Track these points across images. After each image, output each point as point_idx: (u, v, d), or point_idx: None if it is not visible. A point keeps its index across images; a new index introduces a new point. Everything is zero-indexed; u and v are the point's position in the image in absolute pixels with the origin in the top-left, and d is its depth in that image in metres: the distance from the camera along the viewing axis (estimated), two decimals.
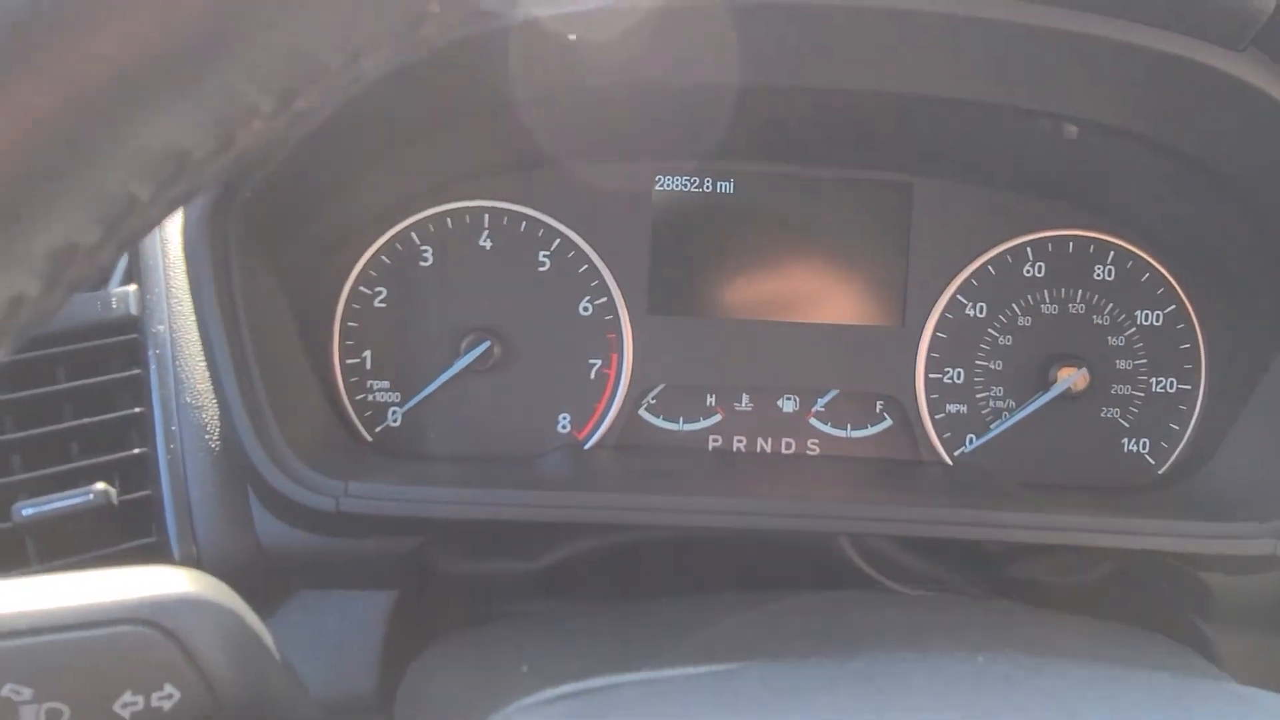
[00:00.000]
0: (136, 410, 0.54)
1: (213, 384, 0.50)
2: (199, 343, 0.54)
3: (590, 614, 0.46)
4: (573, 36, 0.44)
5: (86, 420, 0.53)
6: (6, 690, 0.27)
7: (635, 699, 0.30)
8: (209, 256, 0.50)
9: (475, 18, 0.15)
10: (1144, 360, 0.61)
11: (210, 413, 0.52)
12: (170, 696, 0.29)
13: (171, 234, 0.56)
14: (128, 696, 0.28)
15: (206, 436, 0.52)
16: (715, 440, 0.62)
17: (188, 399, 0.53)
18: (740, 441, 0.62)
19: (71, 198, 0.13)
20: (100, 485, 0.50)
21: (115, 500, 0.51)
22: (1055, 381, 0.59)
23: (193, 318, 0.54)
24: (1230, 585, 0.52)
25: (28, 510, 0.50)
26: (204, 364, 0.53)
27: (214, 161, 0.14)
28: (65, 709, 0.27)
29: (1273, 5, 0.41)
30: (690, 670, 0.32)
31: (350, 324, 0.59)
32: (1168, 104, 0.50)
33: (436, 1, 0.15)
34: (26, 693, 0.27)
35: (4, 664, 0.27)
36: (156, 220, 0.15)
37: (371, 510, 0.48)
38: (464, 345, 0.59)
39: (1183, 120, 0.51)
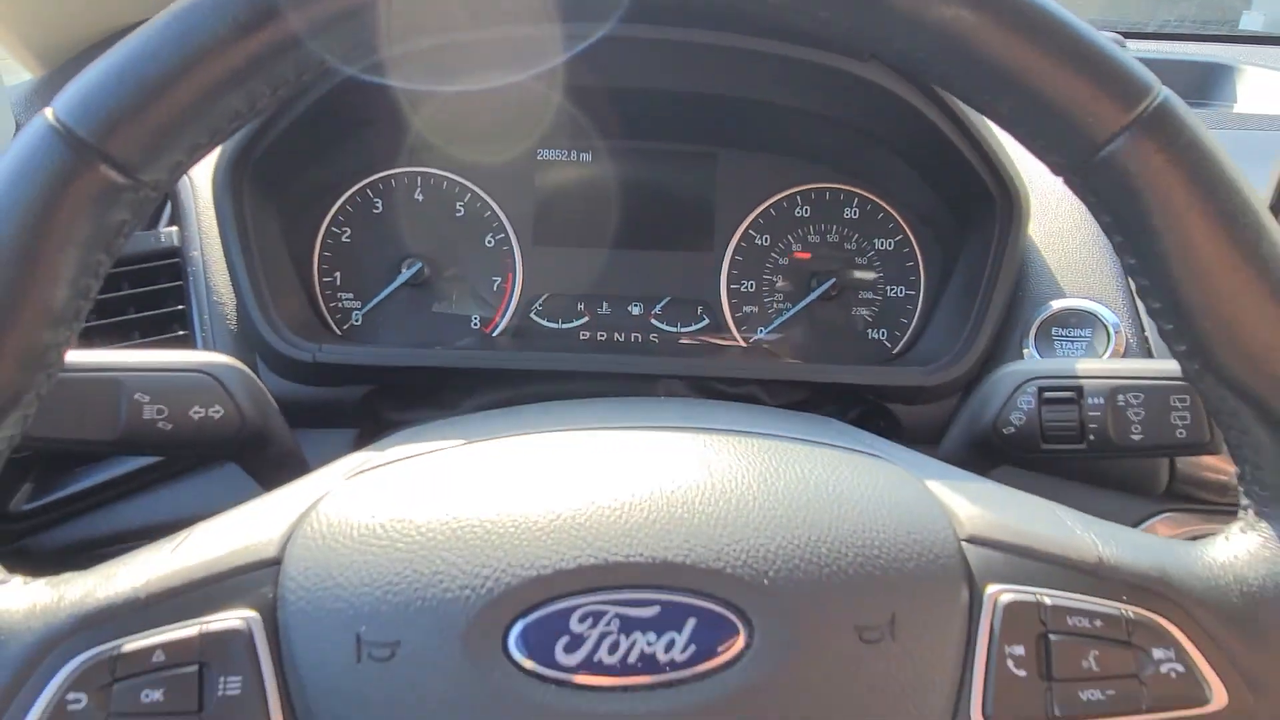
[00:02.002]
0: (179, 308, 0.78)
1: (233, 287, 0.73)
2: (221, 263, 0.78)
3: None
4: None
5: (144, 314, 0.78)
6: (137, 395, 0.51)
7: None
8: (230, 202, 0.72)
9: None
10: (881, 275, 0.83)
11: (229, 308, 0.76)
12: (219, 411, 0.53)
13: (201, 190, 0.80)
14: (196, 408, 0.53)
15: (227, 323, 0.75)
16: (585, 334, 0.84)
17: (214, 299, 0.76)
18: (602, 335, 0.84)
19: (229, 100, 0.37)
20: None
21: None
22: (814, 288, 0.83)
23: (217, 246, 0.78)
24: (912, 414, 0.77)
25: None
26: (225, 277, 0.77)
27: (253, 112, 0.38)
28: (166, 408, 0.52)
29: None
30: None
31: (325, 253, 0.82)
32: (847, 98, 0.75)
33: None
34: (146, 398, 0.51)
35: (133, 384, 0.51)
36: (251, 118, 0.38)
37: (339, 360, 0.70)
38: (404, 266, 0.81)
39: (861, 109, 0.76)
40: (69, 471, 0.70)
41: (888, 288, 0.83)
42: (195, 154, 0.38)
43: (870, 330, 0.83)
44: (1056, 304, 0.72)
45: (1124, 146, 0.37)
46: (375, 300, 0.81)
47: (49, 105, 0.36)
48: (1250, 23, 1.92)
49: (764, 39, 0.69)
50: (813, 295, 0.82)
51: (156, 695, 0.36)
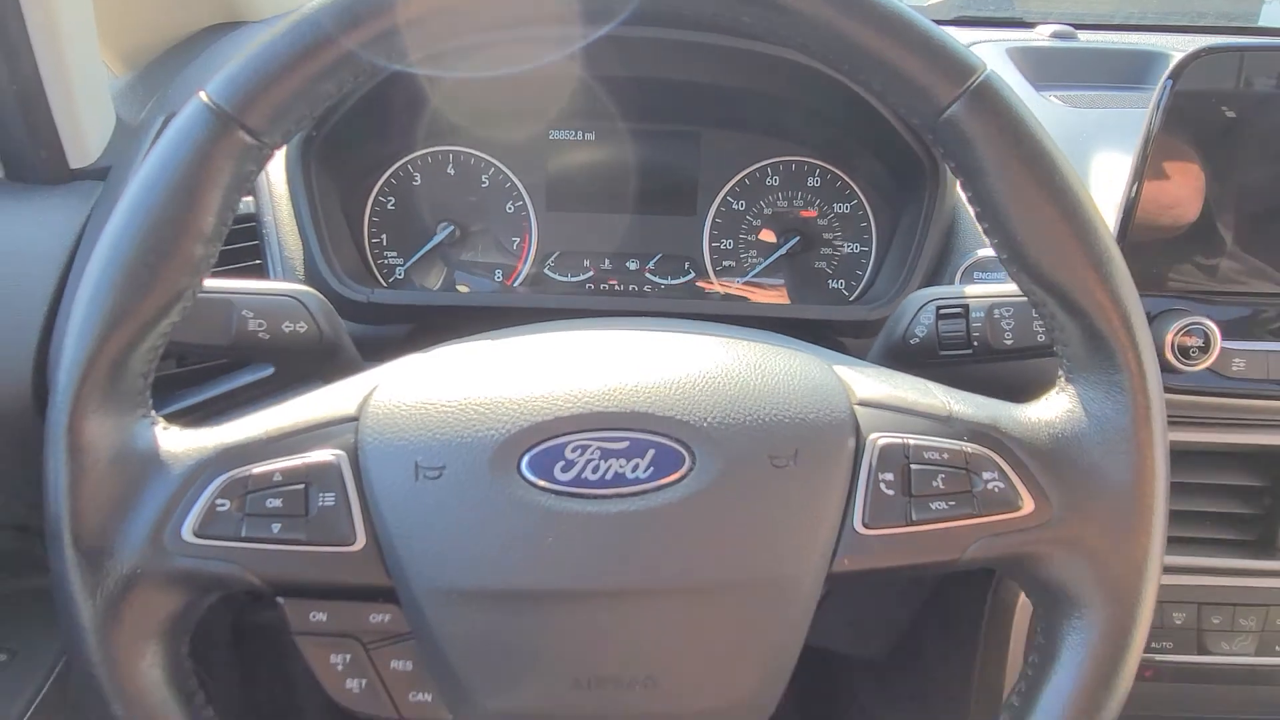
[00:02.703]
0: (256, 262, 0.95)
1: (303, 243, 0.87)
2: (289, 226, 0.93)
3: None
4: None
5: (228, 266, 0.94)
6: (244, 312, 0.67)
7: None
8: (301, 175, 0.85)
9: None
10: (839, 234, 0.98)
11: (297, 261, 0.88)
12: (304, 326, 0.69)
13: (271, 169, 0.96)
14: (287, 323, 0.69)
15: (296, 274, 0.90)
16: (590, 285, 0.98)
17: (285, 254, 0.89)
18: (604, 285, 0.98)
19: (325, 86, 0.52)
20: None
21: None
22: (782, 245, 0.98)
23: (285, 213, 0.93)
24: (857, 346, 0.91)
25: None
26: (292, 238, 0.91)
27: (340, 94, 0.54)
28: (265, 322, 0.68)
29: None
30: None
31: (374, 218, 0.95)
32: (809, 87, 0.89)
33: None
34: (250, 314, 0.67)
35: (241, 303, 0.67)
36: (338, 98, 0.53)
37: (389, 300, 0.86)
38: (438, 229, 0.96)
39: (820, 95, 0.90)
40: (170, 394, 0.86)
41: (844, 244, 0.97)
42: (300, 124, 0.54)
43: (830, 280, 0.98)
44: (980, 252, 0.86)
45: (958, 111, 0.52)
46: (415, 257, 0.97)
47: (202, 89, 0.52)
48: (1271, 14, 2.03)
49: (740, 39, 0.84)
50: (780, 251, 0.96)
51: (277, 503, 0.52)
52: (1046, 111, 1.00)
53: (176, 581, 0.52)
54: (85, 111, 0.93)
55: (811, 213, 0.97)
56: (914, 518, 0.53)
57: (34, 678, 0.84)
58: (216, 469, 0.52)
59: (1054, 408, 0.55)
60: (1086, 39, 1.35)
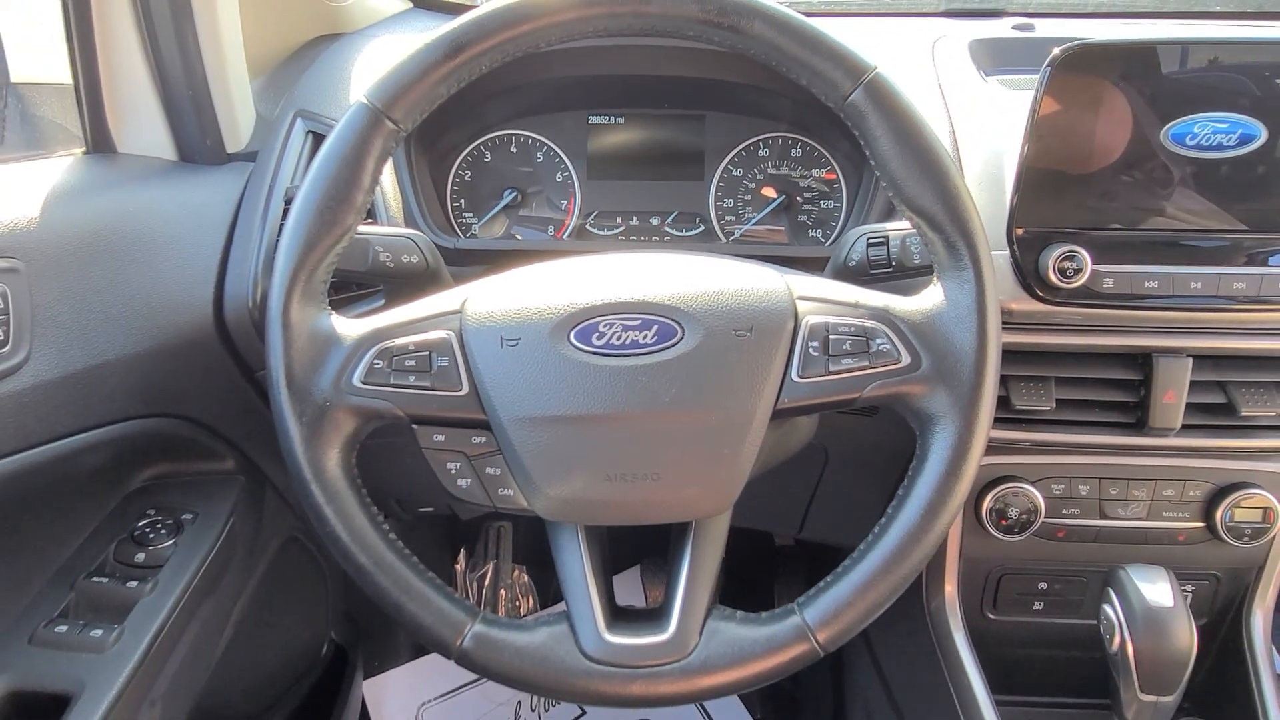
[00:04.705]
0: (369, 220, 1.23)
1: (403, 205, 1.15)
2: (392, 196, 1.20)
3: None
4: None
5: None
6: (377, 247, 0.96)
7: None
8: (403, 154, 1.14)
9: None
10: (816, 194, 1.23)
11: (399, 219, 1.19)
12: (416, 257, 0.97)
13: None
14: (405, 255, 0.97)
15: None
16: (621, 237, 1.23)
17: (389, 215, 1.18)
18: (633, 237, 1.24)
19: (441, 89, 0.80)
20: None
21: None
22: (771, 203, 1.25)
23: (388, 184, 1.22)
24: None
25: None
26: (395, 200, 1.20)
27: (449, 94, 0.81)
28: (390, 254, 0.96)
29: None
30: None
31: (454, 187, 1.21)
32: (775, 73, 1.15)
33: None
34: (380, 248, 0.96)
35: (374, 241, 0.96)
36: (447, 96, 0.81)
37: (470, 246, 1.12)
38: (504, 194, 1.22)
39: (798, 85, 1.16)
40: None
41: (820, 202, 1.22)
42: (424, 114, 0.82)
43: (810, 230, 1.24)
44: None
45: (858, 97, 0.78)
46: (486, 217, 1.24)
47: (363, 94, 0.80)
48: None
49: None
50: (770, 207, 1.22)
51: (411, 363, 0.81)
52: (985, 93, 1.24)
53: (351, 412, 0.80)
54: (237, 108, 1.23)
55: (794, 177, 1.23)
56: (830, 369, 0.80)
57: (214, 528, 1.14)
58: (373, 341, 0.81)
59: (926, 296, 0.81)
60: (1044, 29, 1.59)
